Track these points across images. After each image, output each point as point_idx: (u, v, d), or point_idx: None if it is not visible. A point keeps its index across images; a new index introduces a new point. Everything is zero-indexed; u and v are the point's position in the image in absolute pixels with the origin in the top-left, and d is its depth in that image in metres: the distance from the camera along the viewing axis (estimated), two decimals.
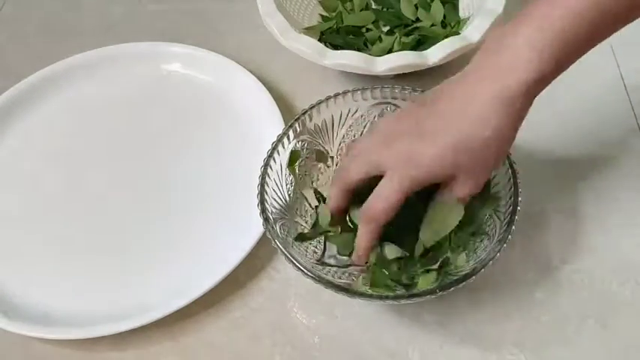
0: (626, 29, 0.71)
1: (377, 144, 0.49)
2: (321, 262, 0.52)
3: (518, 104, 0.44)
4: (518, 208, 0.49)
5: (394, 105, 0.56)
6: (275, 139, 0.54)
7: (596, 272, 0.54)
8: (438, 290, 0.46)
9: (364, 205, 0.48)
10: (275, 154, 0.54)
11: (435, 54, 0.61)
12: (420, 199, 0.50)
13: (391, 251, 0.50)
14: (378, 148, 0.48)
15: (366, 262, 0.51)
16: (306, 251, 0.52)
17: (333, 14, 0.72)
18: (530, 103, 0.45)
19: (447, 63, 0.62)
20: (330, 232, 0.53)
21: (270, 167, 0.53)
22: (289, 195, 0.54)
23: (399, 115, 0.52)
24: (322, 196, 0.55)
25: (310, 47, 0.63)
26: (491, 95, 0.44)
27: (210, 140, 0.65)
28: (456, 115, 0.45)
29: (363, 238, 0.49)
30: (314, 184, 0.56)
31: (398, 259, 0.50)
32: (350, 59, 0.62)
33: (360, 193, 0.50)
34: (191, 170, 0.63)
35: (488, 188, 0.52)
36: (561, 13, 0.43)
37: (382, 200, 0.47)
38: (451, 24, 0.69)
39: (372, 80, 0.65)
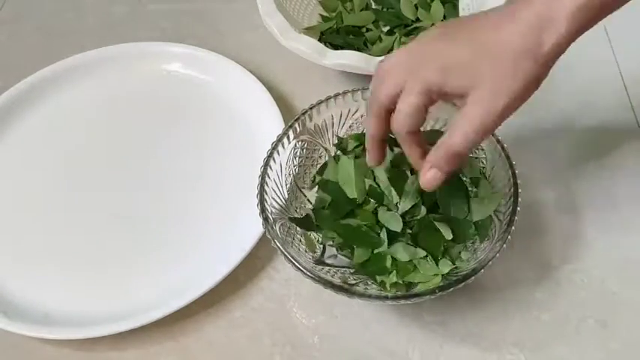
0: (626, 29, 0.71)
1: (398, 60, 0.45)
2: (320, 261, 0.52)
3: (559, 26, 0.40)
4: (518, 208, 0.49)
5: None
6: (275, 139, 0.54)
7: (596, 272, 0.54)
8: (437, 290, 0.46)
9: (391, 120, 0.45)
10: (275, 154, 0.54)
11: None
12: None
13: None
14: (399, 62, 0.45)
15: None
16: (306, 251, 0.52)
17: (333, 14, 0.72)
18: (576, 33, 0.41)
19: None
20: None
21: (270, 167, 0.53)
22: (289, 195, 0.54)
23: (428, 30, 0.47)
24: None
25: (310, 47, 0.63)
26: (535, 13, 0.40)
27: (210, 140, 0.65)
28: (487, 25, 0.42)
29: (407, 152, 0.46)
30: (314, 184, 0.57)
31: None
32: (350, 59, 0.62)
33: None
34: (191, 170, 0.63)
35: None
36: None
37: (400, 110, 0.43)
38: None
39: None
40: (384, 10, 0.72)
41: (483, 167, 0.54)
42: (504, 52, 0.41)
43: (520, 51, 0.40)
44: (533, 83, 0.41)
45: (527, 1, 0.41)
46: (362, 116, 0.57)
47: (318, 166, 0.57)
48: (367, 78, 0.66)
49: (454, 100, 0.45)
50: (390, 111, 0.45)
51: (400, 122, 0.44)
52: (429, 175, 0.44)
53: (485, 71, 0.41)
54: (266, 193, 0.52)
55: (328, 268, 0.51)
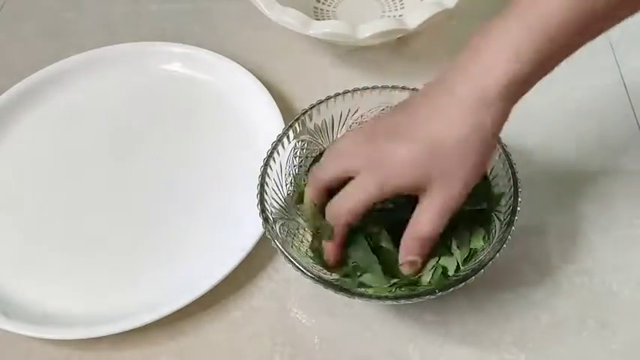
0: (626, 29, 0.71)
1: (353, 144, 0.47)
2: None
3: (496, 105, 0.42)
4: (518, 208, 0.49)
5: (394, 105, 0.56)
6: (275, 139, 0.54)
7: (596, 272, 0.54)
8: (437, 290, 0.46)
9: (329, 203, 0.48)
10: (275, 154, 0.54)
11: (414, 19, 0.63)
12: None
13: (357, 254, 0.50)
14: (352, 148, 0.47)
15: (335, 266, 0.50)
16: (306, 251, 0.52)
17: None
18: (511, 105, 0.43)
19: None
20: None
21: (270, 167, 0.53)
22: (289, 195, 0.54)
23: (380, 117, 0.51)
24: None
25: (296, 18, 0.63)
26: (469, 95, 0.42)
27: (210, 140, 0.65)
28: (433, 115, 0.44)
29: (336, 238, 0.49)
30: None
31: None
32: (334, 27, 0.63)
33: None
34: (191, 170, 0.63)
35: (489, 187, 0.52)
36: (543, 11, 0.41)
37: (347, 200, 0.46)
38: None
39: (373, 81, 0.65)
40: None
41: None
42: (451, 146, 0.43)
43: (465, 140, 0.43)
44: (485, 158, 0.45)
45: (462, 74, 0.43)
46: (362, 116, 0.57)
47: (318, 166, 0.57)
48: (368, 78, 0.67)
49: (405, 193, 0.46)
50: (328, 189, 0.49)
51: (345, 214, 0.47)
52: (410, 265, 0.48)
53: (437, 167, 0.43)
54: (266, 193, 0.52)
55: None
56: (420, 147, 0.44)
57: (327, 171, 0.48)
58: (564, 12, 0.41)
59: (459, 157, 0.43)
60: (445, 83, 0.45)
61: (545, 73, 0.44)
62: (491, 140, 0.44)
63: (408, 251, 0.47)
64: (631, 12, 0.43)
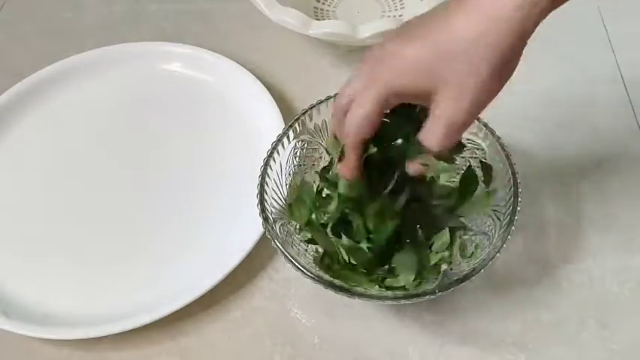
0: (626, 29, 0.71)
1: (366, 63, 0.44)
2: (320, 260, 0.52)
3: (509, 15, 0.38)
4: (518, 208, 0.49)
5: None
6: (275, 139, 0.54)
7: (596, 272, 0.54)
8: (437, 290, 0.46)
9: (345, 121, 0.44)
10: (275, 154, 0.54)
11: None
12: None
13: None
14: (366, 66, 0.44)
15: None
16: (306, 251, 0.52)
17: None
18: (525, 20, 0.39)
19: None
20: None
21: (270, 167, 0.53)
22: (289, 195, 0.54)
23: (393, 30, 0.46)
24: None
25: (296, 18, 0.63)
26: (485, 6, 0.39)
27: (210, 140, 0.65)
28: (444, 20, 0.40)
29: (349, 158, 0.46)
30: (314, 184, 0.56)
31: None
32: (334, 27, 0.63)
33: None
34: (191, 170, 0.63)
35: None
36: None
37: (354, 113, 0.43)
38: None
39: None
40: None
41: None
42: (460, 49, 0.39)
43: (477, 44, 0.39)
44: (498, 72, 0.40)
45: None
46: None
47: (318, 166, 0.57)
48: None
49: (417, 102, 0.44)
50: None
51: (354, 129, 0.43)
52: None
53: (445, 72, 0.40)
54: (266, 193, 0.52)
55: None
56: (427, 47, 0.40)
57: (340, 97, 0.45)
58: None
59: (471, 64, 0.39)
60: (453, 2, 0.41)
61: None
62: (509, 54, 0.39)
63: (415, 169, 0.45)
64: None
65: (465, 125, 0.42)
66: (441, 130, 0.41)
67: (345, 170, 0.47)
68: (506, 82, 0.41)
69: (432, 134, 0.42)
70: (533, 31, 0.40)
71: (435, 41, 0.40)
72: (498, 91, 0.41)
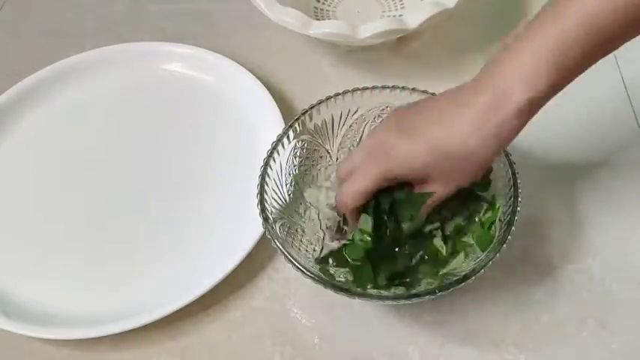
0: None
1: (365, 146, 0.50)
2: (320, 261, 0.52)
3: (509, 123, 0.44)
4: (518, 208, 0.49)
5: (394, 105, 0.56)
6: (275, 139, 0.54)
7: (596, 272, 0.54)
8: (437, 290, 0.46)
9: (337, 192, 0.51)
10: (275, 154, 0.54)
11: (414, 19, 0.63)
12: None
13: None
14: (365, 148, 0.50)
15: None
16: (306, 251, 0.52)
17: None
18: (522, 125, 0.45)
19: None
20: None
21: (270, 167, 0.53)
22: (289, 195, 0.54)
23: (394, 112, 0.51)
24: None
25: (296, 19, 0.63)
26: (484, 109, 0.44)
27: (210, 140, 0.65)
28: (444, 120, 0.46)
29: (351, 222, 0.51)
30: (314, 184, 0.56)
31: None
32: (334, 27, 0.63)
33: None
34: (191, 170, 0.63)
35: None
36: (556, 34, 0.42)
37: (350, 186, 0.49)
38: None
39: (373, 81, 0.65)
40: None
41: None
42: (456, 157, 0.45)
43: (470, 153, 0.45)
44: (485, 167, 0.48)
45: (477, 91, 0.45)
46: (362, 116, 0.57)
47: (319, 166, 0.57)
48: (368, 78, 0.67)
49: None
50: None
51: (350, 200, 0.49)
52: None
53: (438, 170, 0.46)
54: (266, 193, 0.52)
55: (328, 267, 0.51)
56: (424, 146, 0.46)
57: (344, 165, 0.51)
58: (578, 33, 0.42)
59: (462, 167, 0.46)
60: (460, 92, 0.46)
61: (558, 91, 0.45)
62: (494, 157, 0.46)
63: None
64: (636, 33, 0.45)
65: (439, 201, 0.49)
66: (430, 202, 0.49)
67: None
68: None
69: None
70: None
71: (432, 140, 0.45)
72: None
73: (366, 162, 0.48)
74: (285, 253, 0.49)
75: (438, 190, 0.47)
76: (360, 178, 0.48)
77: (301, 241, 0.53)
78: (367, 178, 0.48)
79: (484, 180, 0.52)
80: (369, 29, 0.63)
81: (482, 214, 0.52)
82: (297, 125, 0.55)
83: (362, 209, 0.50)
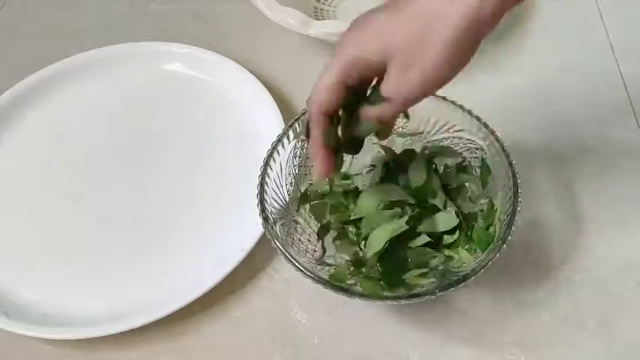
0: (626, 29, 0.71)
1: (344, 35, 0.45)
2: (320, 261, 0.52)
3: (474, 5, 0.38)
4: (518, 208, 0.49)
5: None
6: (275, 139, 0.54)
7: (596, 272, 0.54)
8: (437, 290, 0.46)
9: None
10: (275, 154, 0.54)
11: None
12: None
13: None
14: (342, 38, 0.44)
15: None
16: (306, 251, 0.52)
17: None
18: (484, 18, 0.38)
19: None
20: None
21: (270, 167, 0.53)
22: (289, 195, 0.54)
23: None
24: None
25: (296, 19, 0.63)
26: None
27: (210, 140, 0.65)
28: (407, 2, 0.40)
29: (312, 134, 0.45)
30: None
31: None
32: (334, 27, 0.63)
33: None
34: (191, 170, 0.63)
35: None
36: None
37: (318, 81, 0.43)
38: None
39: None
40: None
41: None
42: (421, 22, 0.39)
43: (435, 20, 0.38)
44: (451, 54, 0.39)
45: None
46: None
47: None
48: None
49: (374, 77, 0.43)
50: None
51: (313, 101, 0.43)
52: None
53: (402, 40, 0.39)
54: (266, 193, 0.52)
55: (328, 267, 0.51)
56: (388, 21, 0.40)
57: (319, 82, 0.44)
58: None
59: (427, 38, 0.39)
60: None
61: None
62: (464, 40, 0.39)
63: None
64: None
65: (411, 98, 0.41)
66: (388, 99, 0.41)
67: (318, 170, 0.46)
68: (457, 71, 0.40)
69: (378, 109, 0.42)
70: (490, 28, 0.39)
71: (397, 15, 0.40)
72: (449, 77, 0.41)
73: (336, 54, 0.43)
74: (285, 253, 0.49)
75: (402, 72, 0.40)
76: (325, 72, 0.42)
77: (301, 241, 0.53)
78: (334, 67, 0.42)
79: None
80: None
81: (481, 214, 0.52)
82: (297, 125, 0.55)
83: (330, 120, 0.45)
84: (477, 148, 0.54)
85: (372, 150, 0.56)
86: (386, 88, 0.41)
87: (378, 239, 0.50)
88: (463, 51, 0.39)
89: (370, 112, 0.43)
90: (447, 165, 0.55)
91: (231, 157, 0.64)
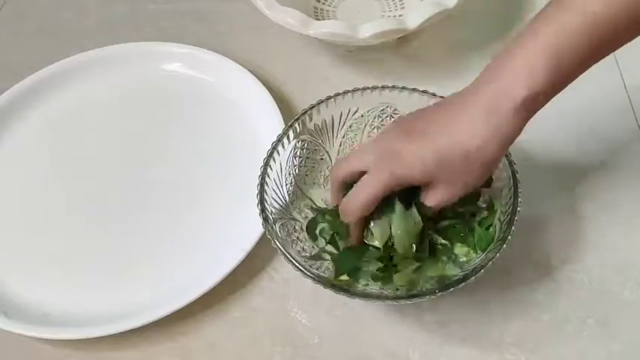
0: None
1: (368, 144, 0.50)
2: (318, 257, 0.52)
3: (508, 121, 0.44)
4: (518, 208, 0.49)
5: (394, 105, 0.56)
6: (275, 139, 0.54)
7: (596, 272, 0.54)
8: (437, 290, 0.46)
9: (344, 199, 0.49)
10: (275, 154, 0.54)
11: (414, 19, 0.63)
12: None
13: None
14: (366, 146, 0.49)
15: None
16: (305, 250, 0.52)
17: None
18: (523, 122, 0.45)
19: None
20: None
21: (270, 167, 0.53)
22: (289, 195, 0.54)
23: (398, 120, 0.52)
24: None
25: (296, 19, 0.63)
26: (483, 109, 0.44)
27: (210, 140, 0.65)
28: (448, 123, 0.46)
29: (353, 230, 0.50)
30: (315, 184, 0.56)
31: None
32: (334, 27, 0.63)
33: None
34: (191, 170, 0.63)
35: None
36: (556, 33, 0.43)
37: (360, 193, 0.48)
38: None
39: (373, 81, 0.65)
40: None
41: None
42: (459, 157, 0.45)
43: (473, 152, 0.45)
44: (491, 170, 0.48)
45: (478, 91, 0.45)
46: (362, 116, 0.57)
47: (319, 166, 0.57)
48: (367, 79, 0.67)
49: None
50: (345, 185, 0.50)
51: (360, 206, 0.48)
52: None
53: (443, 172, 0.46)
54: (266, 193, 0.52)
55: (328, 267, 0.51)
56: (430, 149, 0.46)
57: (341, 167, 0.50)
58: (580, 31, 0.42)
59: (466, 168, 0.46)
60: (463, 96, 0.46)
61: (559, 90, 0.45)
62: (498, 156, 0.46)
63: None
64: (636, 34, 0.45)
65: (451, 201, 0.48)
66: (433, 203, 0.48)
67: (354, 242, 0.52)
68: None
69: (428, 202, 0.49)
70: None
71: (437, 145, 0.45)
72: (489, 175, 0.50)
73: (376, 168, 0.47)
74: (285, 253, 0.49)
75: (444, 192, 0.47)
76: (370, 183, 0.47)
77: (301, 241, 0.53)
78: (378, 183, 0.47)
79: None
80: (369, 29, 0.63)
81: (481, 214, 0.52)
82: (297, 125, 0.55)
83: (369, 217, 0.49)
84: None
85: None
86: (428, 201, 0.48)
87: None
88: (496, 166, 0.48)
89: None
90: None
91: (231, 157, 0.64)
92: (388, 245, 0.50)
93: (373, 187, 0.47)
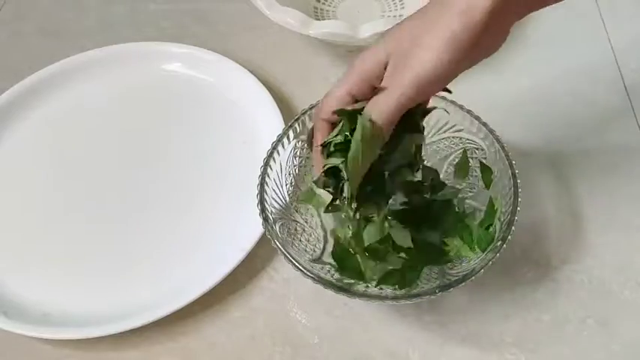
0: (626, 27, 0.71)
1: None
2: (320, 260, 0.52)
3: (475, 14, 0.40)
4: (518, 208, 0.49)
5: None
6: (275, 139, 0.54)
7: (596, 272, 0.54)
8: (437, 290, 0.46)
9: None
10: (275, 154, 0.54)
11: None
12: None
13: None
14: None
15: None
16: (306, 250, 0.52)
17: None
18: (486, 23, 0.41)
19: None
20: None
21: (270, 167, 0.53)
22: (289, 195, 0.54)
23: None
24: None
25: (296, 19, 0.63)
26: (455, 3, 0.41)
27: (210, 140, 0.65)
28: (422, 21, 0.43)
29: (316, 137, 0.47)
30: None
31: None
32: (334, 27, 0.63)
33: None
34: (191, 170, 0.63)
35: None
36: None
37: (330, 91, 0.46)
38: None
39: None
40: None
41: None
42: (411, 27, 0.42)
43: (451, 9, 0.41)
44: (473, 35, 0.41)
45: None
46: None
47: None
48: None
49: None
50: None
51: (328, 102, 0.46)
52: None
53: (394, 42, 0.43)
54: (266, 193, 0.52)
55: (328, 267, 0.51)
56: (388, 33, 0.44)
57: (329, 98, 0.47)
58: None
59: (415, 44, 0.42)
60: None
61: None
62: (457, 46, 0.41)
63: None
64: None
65: (437, 80, 0.42)
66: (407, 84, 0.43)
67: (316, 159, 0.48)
68: (487, 53, 0.43)
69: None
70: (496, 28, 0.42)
71: (398, 28, 0.43)
72: (445, 75, 0.42)
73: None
74: (285, 253, 0.49)
75: (429, 56, 0.42)
76: (337, 84, 0.46)
77: (301, 241, 0.53)
78: (343, 81, 0.45)
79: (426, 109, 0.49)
80: (369, 29, 0.63)
81: (480, 215, 0.52)
82: (297, 125, 0.55)
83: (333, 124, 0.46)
84: (476, 148, 0.54)
85: None
86: (383, 82, 0.43)
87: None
88: (459, 49, 0.41)
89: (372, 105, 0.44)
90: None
91: (231, 157, 0.64)
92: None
93: (338, 85, 0.45)
